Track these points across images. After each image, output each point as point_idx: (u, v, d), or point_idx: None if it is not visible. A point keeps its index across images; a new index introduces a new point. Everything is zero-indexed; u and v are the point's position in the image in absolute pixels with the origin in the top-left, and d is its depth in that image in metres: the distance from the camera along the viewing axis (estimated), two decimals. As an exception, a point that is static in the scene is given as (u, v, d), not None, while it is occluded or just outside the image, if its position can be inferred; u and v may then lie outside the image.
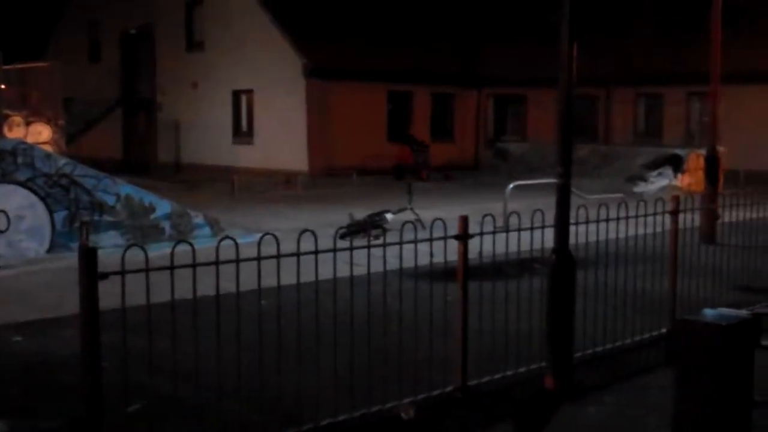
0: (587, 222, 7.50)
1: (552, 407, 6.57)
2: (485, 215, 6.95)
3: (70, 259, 12.36)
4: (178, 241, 5.28)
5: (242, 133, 31.45)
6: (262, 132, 30.46)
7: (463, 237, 6.58)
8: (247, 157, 30.24)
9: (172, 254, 5.03)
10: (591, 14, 29.15)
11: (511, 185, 16.20)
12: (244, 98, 31.31)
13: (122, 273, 4.85)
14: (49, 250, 13.16)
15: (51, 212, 13.28)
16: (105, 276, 4.71)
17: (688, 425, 4.33)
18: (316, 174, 28.06)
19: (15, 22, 44.57)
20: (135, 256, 4.98)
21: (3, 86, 28.76)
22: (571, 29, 6.83)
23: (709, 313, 4.49)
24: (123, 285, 4.85)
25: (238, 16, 30.51)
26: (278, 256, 5.55)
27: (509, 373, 6.98)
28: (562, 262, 6.84)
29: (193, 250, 5.18)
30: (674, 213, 8.29)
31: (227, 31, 30.89)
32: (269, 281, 5.63)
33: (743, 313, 4.63)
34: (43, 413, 6.25)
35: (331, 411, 5.86)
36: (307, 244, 5.71)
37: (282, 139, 29.35)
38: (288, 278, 5.60)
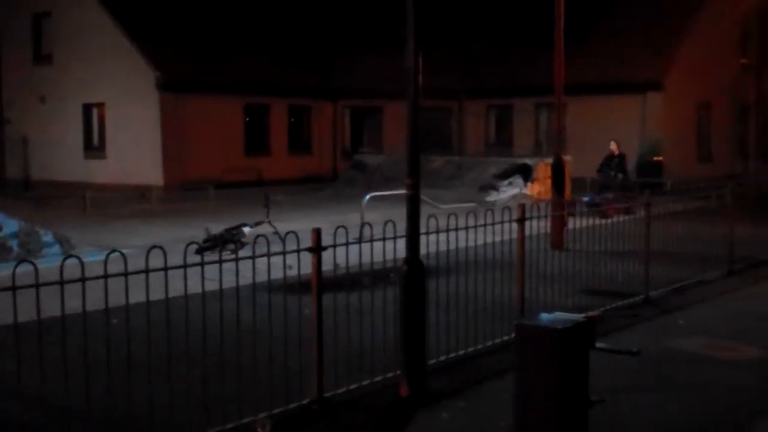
0: (437, 231, 7.71)
1: (407, 415, 6.71)
2: (338, 227, 7.04)
3: None
4: (21, 261, 5.14)
5: (94, 147, 30.58)
6: (114, 146, 29.71)
7: (317, 249, 6.65)
8: (100, 172, 29.43)
9: (13, 274, 4.90)
10: (439, 28, 29.87)
11: (368, 196, 16.42)
12: (95, 112, 30.46)
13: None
14: None
15: None
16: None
17: (529, 426, 4.53)
18: (171, 188, 27.57)
19: None
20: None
21: None
22: (416, 43, 7.02)
23: (545, 317, 4.71)
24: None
25: (87, 28, 29.68)
26: (126, 274, 5.48)
27: (365, 382, 7.09)
28: (413, 272, 7.01)
29: (36, 270, 5.05)
30: (521, 221, 8.61)
31: (77, 44, 30.01)
32: (119, 300, 5.55)
33: (578, 316, 4.87)
34: None
35: (186, 429, 5.81)
36: (158, 261, 5.65)
37: (136, 153, 28.72)
38: (139, 296, 5.54)
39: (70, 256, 5.34)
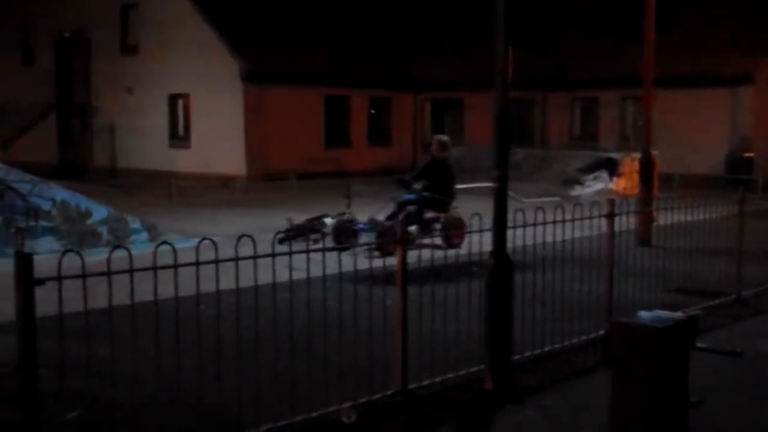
0: (525, 225, 7.60)
1: (491, 410, 6.63)
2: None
3: (5, 265, 12.15)
4: (115, 247, 5.21)
5: (179, 136, 31.14)
6: (198, 136, 30.20)
7: (402, 242, 6.61)
8: (184, 161, 29.95)
9: (109, 260, 4.97)
10: (523, 18, 29.53)
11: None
12: (180, 102, 31.00)
13: (59, 279, 4.77)
14: (-18, 257, 12.86)
15: (-14, 218, 13.02)
16: (41, 282, 4.63)
17: (625, 426, 4.41)
18: (253, 178, 27.89)
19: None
20: (72, 262, 4.91)
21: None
22: (506, 32, 6.91)
23: (644, 315, 4.57)
24: (60, 291, 4.78)
25: (173, 20, 30.21)
26: (216, 261, 5.52)
27: (449, 376, 7.03)
28: (500, 265, 6.91)
29: (130, 256, 5.12)
30: (610, 216, 8.43)
31: (162, 35, 30.56)
32: (208, 286, 5.59)
33: (678, 315, 4.72)
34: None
35: (272, 416, 5.83)
36: (245, 249, 5.68)
37: (219, 143, 29.14)
38: (227, 283, 5.58)
39: (163, 242, 5.41)
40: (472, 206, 8.39)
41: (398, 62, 33.12)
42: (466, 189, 16.63)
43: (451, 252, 7.22)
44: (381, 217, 14.04)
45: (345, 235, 13.29)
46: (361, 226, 13.81)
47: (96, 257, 5.28)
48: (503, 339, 6.94)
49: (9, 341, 7.31)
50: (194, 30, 29.41)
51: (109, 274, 4.99)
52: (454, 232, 12.12)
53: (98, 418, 5.86)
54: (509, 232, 7.09)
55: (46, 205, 13.60)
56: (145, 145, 31.31)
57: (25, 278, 4.60)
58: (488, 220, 7.03)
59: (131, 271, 5.13)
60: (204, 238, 5.69)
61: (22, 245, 12.06)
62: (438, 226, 13.47)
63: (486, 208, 6.98)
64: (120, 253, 5.19)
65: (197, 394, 5.65)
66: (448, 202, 14.19)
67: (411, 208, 13.91)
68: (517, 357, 7.38)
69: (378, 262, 6.64)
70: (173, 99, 31.10)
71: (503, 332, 6.93)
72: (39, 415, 4.72)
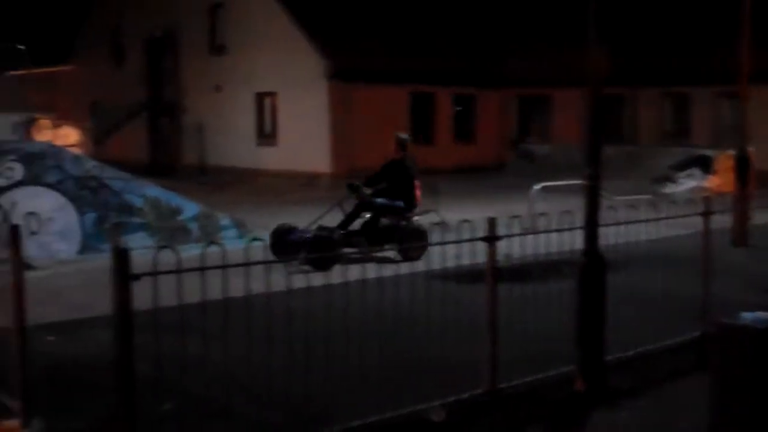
0: (617, 224, 7.44)
1: (583, 411, 6.52)
2: (512, 217, 6.91)
3: (100, 260, 12.47)
4: (209, 243, 5.28)
5: (266, 134, 31.51)
6: (285, 134, 30.51)
7: (492, 239, 6.53)
8: (271, 159, 30.29)
9: (203, 256, 5.03)
10: (613, 13, 29.05)
11: (537, 186, 16.07)
12: (267, 100, 31.37)
13: (154, 274, 4.85)
14: (79, 252, 13.22)
15: (80, 214, 13.36)
16: (137, 277, 4.71)
17: (727, 428, 4.27)
18: (338, 176, 28.03)
19: (41, 27, 44.96)
20: (162, 258, 4.98)
21: (31, 89, 29.05)
22: (598, 29, 6.77)
23: (746, 316, 4.42)
24: (155, 286, 4.86)
25: (260, 19, 30.58)
26: (308, 258, 5.55)
27: (539, 375, 6.93)
28: (592, 264, 6.79)
29: (224, 252, 5.18)
30: (706, 214, 8.20)
31: (250, 34, 30.97)
32: (298, 283, 5.63)
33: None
34: (77, 412, 6.25)
35: (361, 413, 5.84)
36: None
37: (305, 141, 29.39)
38: (319, 280, 5.60)
39: (255, 239, 5.46)
40: (560, 204, 8.26)
41: (484, 59, 32.89)
42: (556, 186, 16.40)
43: (542, 250, 7.09)
44: (330, 223, 12.71)
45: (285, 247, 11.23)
46: (296, 235, 12.11)
47: (188, 253, 5.34)
48: (595, 339, 6.81)
49: (102, 335, 7.52)
50: (281, 29, 29.72)
51: (202, 269, 5.05)
52: (410, 245, 10.60)
53: (190, 411, 5.95)
54: (601, 230, 6.96)
55: (138, 202, 13.90)
56: (233, 143, 31.77)
57: (122, 273, 4.69)
58: (579, 218, 6.90)
59: (224, 266, 5.18)
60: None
61: (118, 241, 12.37)
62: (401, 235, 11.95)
63: (575, 206, 6.85)
64: (211, 249, 5.25)
65: (287, 388, 5.68)
66: (407, 209, 12.96)
67: (368, 215, 12.88)
68: (609, 357, 7.22)
69: (465, 261, 6.55)
70: (260, 97, 31.48)
71: (595, 332, 6.80)
72: (134, 407, 4.81)
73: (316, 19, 29.51)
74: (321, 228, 12.16)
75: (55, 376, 7.13)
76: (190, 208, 14.42)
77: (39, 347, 8.01)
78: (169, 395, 5.78)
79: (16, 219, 12.48)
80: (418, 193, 13.24)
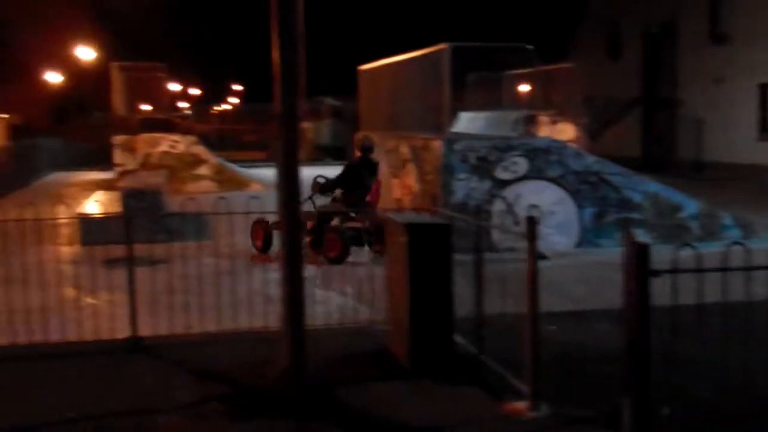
0: None
1: None
2: None
3: (598, 254, 12.64)
4: (732, 242, 4.99)
5: (768, 129, 29.50)
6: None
7: None
8: (774, 154, 28.28)
9: (726, 255, 4.78)
10: None
11: None
12: (771, 92, 29.33)
13: (673, 272, 4.72)
14: (576, 245, 13.51)
15: (579, 208, 13.64)
16: (657, 273, 4.61)
17: None
18: None
19: (540, 25, 47.02)
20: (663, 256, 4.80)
21: (530, 87, 30.40)
22: None
23: None
24: (673, 284, 4.73)
25: (765, 5, 28.64)
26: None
27: None
28: None
29: (747, 252, 4.87)
30: None
31: (755, 21, 29.15)
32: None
33: None
34: (579, 401, 6.30)
35: None
36: None
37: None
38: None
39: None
40: None
41: None
42: None
43: None
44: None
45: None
46: None
47: (706, 250, 5.08)
48: None
49: (602, 328, 7.59)
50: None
51: (725, 270, 4.80)
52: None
53: (690, 418, 5.68)
54: None
55: (636, 198, 13.80)
56: (732, 138, 30.23)
57: (641, 269, 4.63)
58: None
59: (724, 269, 4.85)
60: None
61: (634, 236, 12.34)
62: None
63: None
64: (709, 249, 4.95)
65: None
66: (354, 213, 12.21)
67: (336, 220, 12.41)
68: None
69: None
70: (764, 89, 29.52)
71: None
72: (649, 405, 4.72)
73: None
74: None
75: (556, 364, 7.30)
76: (690, 206, 13.98)
77: (543, 335, 8.29)
78: (671, 398, 5.58)
79: (520, 211, 13.10)
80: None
